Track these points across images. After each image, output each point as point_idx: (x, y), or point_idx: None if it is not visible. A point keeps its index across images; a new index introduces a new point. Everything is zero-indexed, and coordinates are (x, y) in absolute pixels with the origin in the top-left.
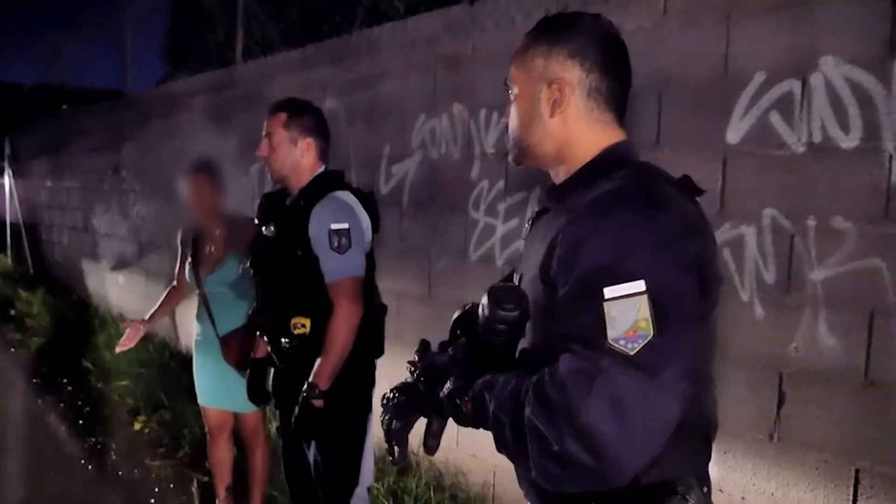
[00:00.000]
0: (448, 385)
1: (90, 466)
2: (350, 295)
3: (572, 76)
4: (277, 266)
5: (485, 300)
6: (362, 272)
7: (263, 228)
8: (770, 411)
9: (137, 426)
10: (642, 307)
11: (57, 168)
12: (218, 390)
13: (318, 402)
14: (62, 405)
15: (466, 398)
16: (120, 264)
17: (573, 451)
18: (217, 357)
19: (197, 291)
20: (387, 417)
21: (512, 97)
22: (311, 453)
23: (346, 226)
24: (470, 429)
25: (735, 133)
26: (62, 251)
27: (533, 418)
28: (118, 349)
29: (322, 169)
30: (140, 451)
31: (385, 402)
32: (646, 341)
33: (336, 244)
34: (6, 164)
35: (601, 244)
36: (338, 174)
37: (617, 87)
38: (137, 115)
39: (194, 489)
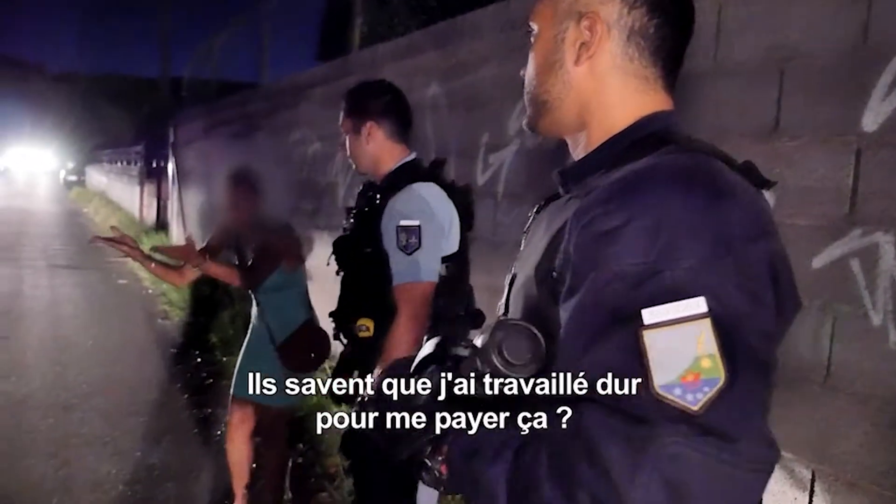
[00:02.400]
0: (408, 438)
1: (201, 437)
2: (414, 302)
3: (609, 11)
4: (350, 261)
5: (483, 339)
6: (433, 277)
7: (345, 220)
8: None
9: None
10: (704, 338)
11: (205, 155)
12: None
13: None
14: (189, 375)
15: (441, 459)
16: None
17: None
18: (260, 351)
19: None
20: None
21: (533, 37)
22: None
23: (416, 223)
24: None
25: (873, 118)
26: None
27: (550, 500)
28: (93, 240)
29: (409, 157)
30: None
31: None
32: (715, 390)
33: (403, 243)
34: (170, 151)
35: (636, 241)
36: (435, 163)
37: (670, 34)
38: (267, 105)
39: (288, 469)
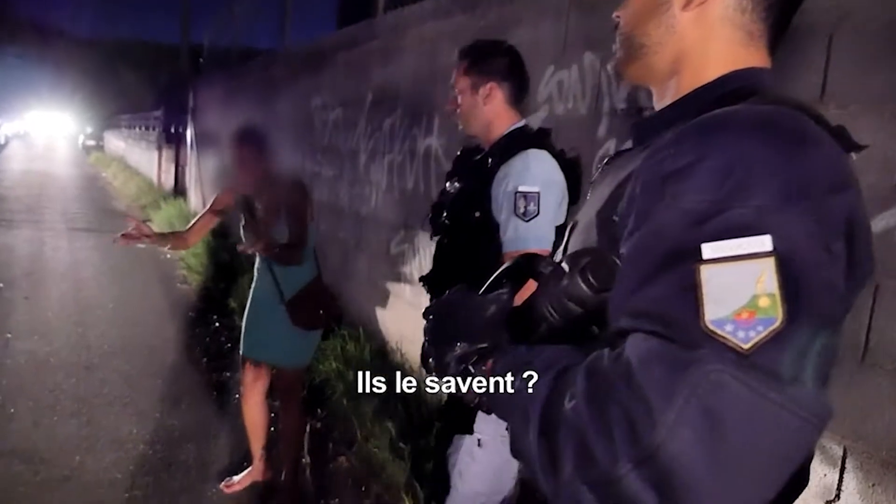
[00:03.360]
0: (461, 345)
1: (219, 400)
2: None
3: None
4: (453, 227)
5: (566, 265)
6: (547, 246)
7: (447, 184)
8: None
9: None
10: (765, 277)
11: (225, 120)
12: (260, 341)
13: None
14: (208, 339)
15: (485, 370)
16: None
17: (630, 483)
18: (269, 310)
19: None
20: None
21: None
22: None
23: (536, 189)
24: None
25: None
26: None
27: (576, 418)
28: (118, 240)
29: (521, 123)
30: None
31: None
32: (769, 330)
33: (522, 209)
34: (189, 117)
35: (702, 180)
36: (536, 131)
37: None
38: (289, 70)
39: (306, 433)
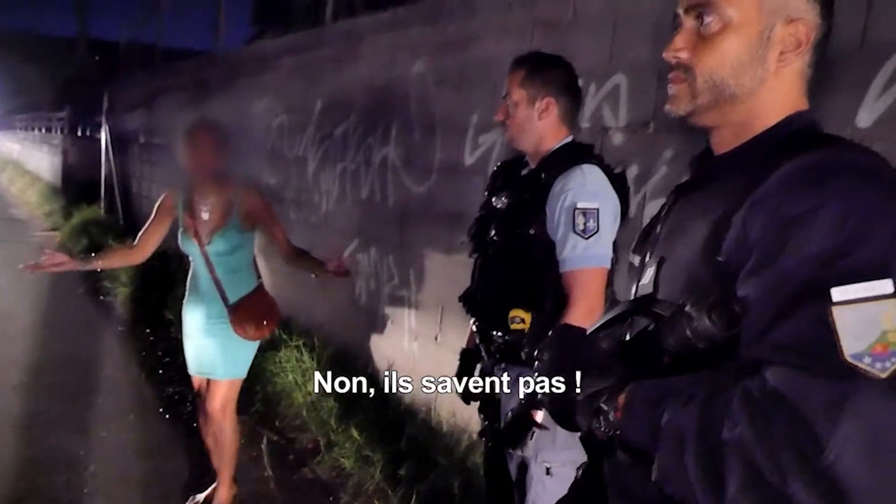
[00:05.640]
0: (587, 383)
1: (167, 416)
2: (591, 289)
3: (811, 20)
4: (503, 245)
5: (689, 306)
6: (608, 264)
7: (493, 199)
8: None
9: None
10: (891, 315)
11: (148, 123)
12: (204, 357)
13: (539, 415)
14: (144, 354)
15: (617, 405)
16: None
17: (801, 499)
18: (208, 325)
19: (197, 259)
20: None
21: (716, 23)
22: (513, 465)
23: (595, 206)
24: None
25: (868, 115)
26: (150, 205)
27: (739, 444)
28: (25, 267)
29: (569, 139)
30: None
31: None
32: None
33: (581, 226)
34: (103, 119)
35: (823, 225)
36: (587, 146)
37: (827, 42)
38: (225, 73)
39: (264, 446)
